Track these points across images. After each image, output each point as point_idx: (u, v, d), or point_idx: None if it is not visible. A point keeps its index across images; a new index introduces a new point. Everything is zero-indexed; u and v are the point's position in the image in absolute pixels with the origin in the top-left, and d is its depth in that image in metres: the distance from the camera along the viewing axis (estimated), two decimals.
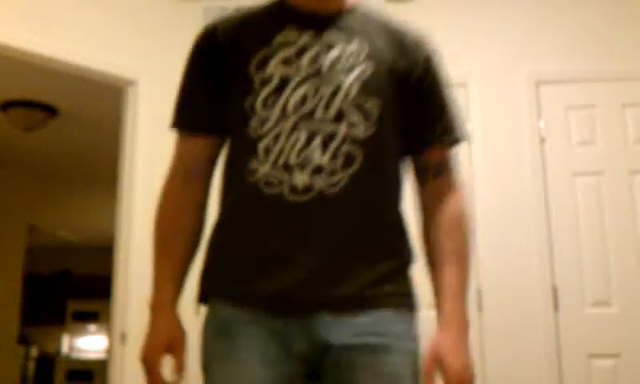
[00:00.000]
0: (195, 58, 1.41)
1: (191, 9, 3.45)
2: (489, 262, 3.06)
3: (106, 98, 3.74)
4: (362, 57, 1.31)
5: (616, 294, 3.02)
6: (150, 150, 3.20)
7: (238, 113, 1.30)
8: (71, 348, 9.69)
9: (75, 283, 9.88)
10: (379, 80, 1.30)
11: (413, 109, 1.35)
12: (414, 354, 1.27)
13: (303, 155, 1.24)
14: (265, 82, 1.28)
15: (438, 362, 1.24)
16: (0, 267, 6.02)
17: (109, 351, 3.11)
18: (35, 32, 2.91)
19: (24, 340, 8.29)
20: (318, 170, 1.24)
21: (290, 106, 1.26)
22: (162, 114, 3.43)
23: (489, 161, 3.18)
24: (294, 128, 1.25)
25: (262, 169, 1.25)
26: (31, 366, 8.98)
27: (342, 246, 1.25)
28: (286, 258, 1.23)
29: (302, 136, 1.25)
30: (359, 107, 1.28)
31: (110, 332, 3.10)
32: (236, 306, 1.25)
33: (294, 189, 1.23)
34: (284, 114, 1.26)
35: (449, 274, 1.31)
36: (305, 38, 1.31)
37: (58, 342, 9.71)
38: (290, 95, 1.27)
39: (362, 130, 1.27)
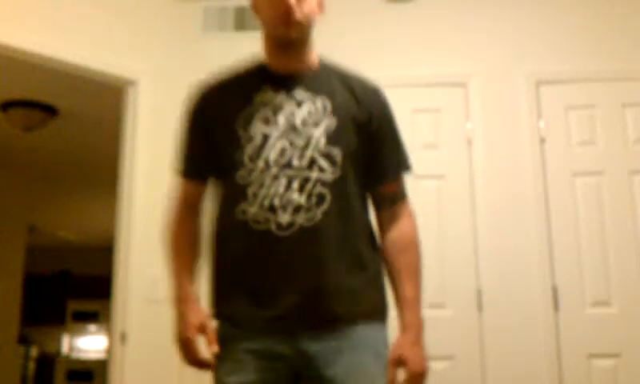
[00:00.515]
0: (190, 119, 1.72)
1: (191, 9, 3.45)
2: (489, 262, 3.06)
3: (106, 98, 3.74)
4: (327, 112, 1.61)
5: (616, 294, 3.02)
6: (149, 150, 3.20)
7: (227, 164, 1.61)
8: (71, 348, 9.69)
9: (75, 283, 9.88)
10: (342, 131, 1.60)
11: (370, 151, 1.65)
12: (381, 354, 1.56)
13: (285, 198, 1.54)
14: (250, 138, 1.59)
15: (400, 357, 1.54)
16: (0, 267, 6.02)
17: (109, 351, 3.11)
18: (35, 32, 2.91)
19: (24, 340, 8.29)
20: (297, 209, 1.53)
21: (272, 159, 1.57)
22: (162, 114, 3.45)
23: (489, 161, 3.18)
24: (275, 176, 1.55)
25: (251, 210, 1.55)
26: (31, 366, 8.98)
27: (323, 269, 1.53)
28: (276, 285, 1.53)
29: (283, 182, 1.55)
30: (326, 156, 1.58)
31: (109, 332, 3.10)
32: (234, 325, 1.57)
33: (279, 226, 1.53)
34: (267, 165, 1.56)
35: (407, 289, 1.61)
36: (279, 98, 1.62)
37: (58, 342, 9.71)
38: (271, 149, 1.57)
39: (329, 174, 1.57)
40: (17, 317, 6.25)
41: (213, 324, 1.59)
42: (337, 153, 1.58)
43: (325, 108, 1.61)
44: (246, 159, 1.57)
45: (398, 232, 1.65)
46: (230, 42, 3.43)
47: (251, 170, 1.57)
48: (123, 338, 2.99)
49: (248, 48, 3.39)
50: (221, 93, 1.67)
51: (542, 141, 3.18)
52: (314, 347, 1.51)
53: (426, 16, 3.39)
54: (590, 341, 2.98)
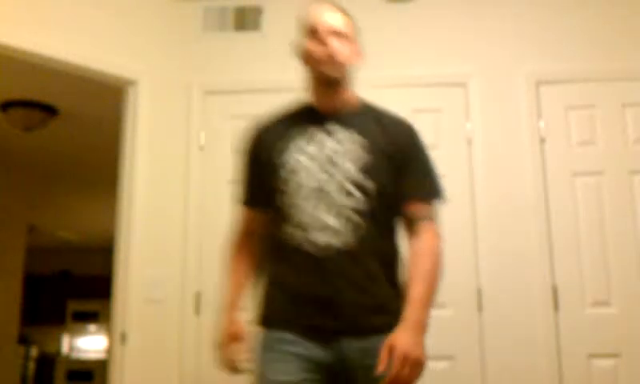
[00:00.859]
0: (245, 155, 1.98)
1: (191, 9, 3.45)
2: (489, 262, 3.06)
3: (106, 98, 3.74)
4: (361, 147, 1.81)
5: (616, 293, 3.02)
6: (150, 150, 3.20)
7: (270, 190, 1.85)
8: (71, 348, 9.69)
9: (75, 283, 9.88)
10: (374, 165, 1.80)
11: (399, 178, 1.83)
12: None
13: (316, 218, 1.76)
14: (283, 165, 1.82)
15: (390, 343, 1.65)
16: (0, 267, 6.02)
17: (109, 351, 3.11)
18: (35, 32, 2.91)
19: (24, 340, 8.29)
20: (334, 233, 1.75)
21: (303, 182, 1.79)
22: (162, 114, 3.45)
23: (489, 161, 3.18)
24: (306, 198, 1.77)
25: (288, 228, 1.79)
26: (31, 366, 8.98)
27: (354, 285, 1.75)
28: (315, 296, 1.75)
29: (313, 203, 1.77)
30: (361, 187, 1.78)
31: (110, 332, 3.10)
32: (279, 330, 1.77)
33: (316, 246, 1.75)
34: (299, 187, 1.79)
35: (413, 289, 1.74)
36: (314, 129, 1.85)
37: (58, 342, 9.72)
38: (302, 173, 1.79)
39: (363, 204, 1.77)
40: (17, 317, 6.24)
41: (247, 335, 1.85)
42: (370, 186, 1.78)
43: (359, 143, 1.81)
44: (280, 183, 1.82)
45: (416, 246, 1.80)
46: (229, 42, 3.43)
47: (285, 192, 1.81)
48: (123, 338, 2.99)
49: (248, 48, 3.41)
50: (269, 130, 1.93)
51: (542, 141, 3.18)
52: (352, 349, 1.73)
53: (426, 16, 3.39)
54: (590, 341, 2.98)
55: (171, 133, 3.28)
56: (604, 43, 3.27)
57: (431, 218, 1.84)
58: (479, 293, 3.05)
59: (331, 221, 1.76)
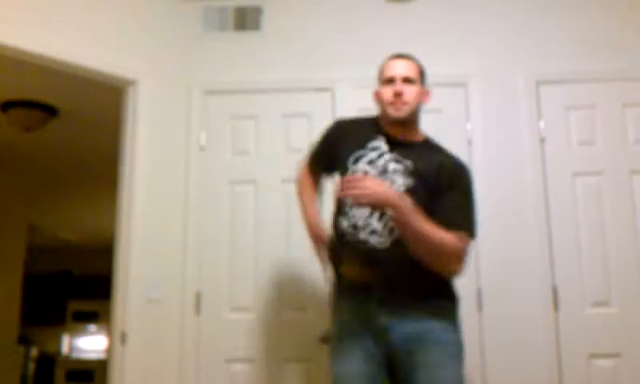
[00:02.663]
0: (324, 137, 2.46)
1: (191, 9, 3.45)
2: (489, 262, 3.06)
3: (106, 98, 3.73)
4: (410, 171, 2.20)
5: (616, 294, 3.02)
6: (150, 150, 3.20)
7: (340, 174, 2.29)
8: (71, 348, 9.69)
9: (75, 283, 9.88)
10: (414, 186, 2.17)
11: (435, 203, 2.16)
12: (450, 342, 2.24)
13: (366, 221, 2.17)
14: (354, 172, 2.23)
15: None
16: (0, 267, 6.02)
17: (109, 351, 3.11)
18: (35, 32, 2.91)
19: (24, 340, 8.29)
20: (373, 232, 2.16)
21: None
22: (162, 114, 3.45)
23: (489, 161, 3.17)
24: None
25: (344, 223, 2.22)
26: (31, 366, 8.98)
27: (390, 279, 2.15)
28: (362, 286, 2.17)
29: (368, 210, 2.15)
30: None
31: (109, 332, 3.10)
32: (345, 326, 2.23)
33: (359, 241, 2.17)
34: None
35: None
36: (384, 149, 2.25)
37: (58, 342, 9.72)
38: None
39: None
40: (17, 317, 6.25)
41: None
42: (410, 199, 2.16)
43: (408, 167, 2.20)
44: None
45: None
46: (229, 42, 3.43)
47: None
48: (123, 337, 2.99)
49: (248, 48, 3.41)
50: (349, 127, 2.38)
51: (542, 141, 3.18)
52: (394, 336, 2.13)
53: (426, 16, 3.39)
54: (590, 341, 2.98)
55: (171, 133, 3.28)
56: (604, 43, 3.27)
57: (463, 236, 2.15)
58: (479, 293, 3.05)
59: (375, 223, 2.15)
